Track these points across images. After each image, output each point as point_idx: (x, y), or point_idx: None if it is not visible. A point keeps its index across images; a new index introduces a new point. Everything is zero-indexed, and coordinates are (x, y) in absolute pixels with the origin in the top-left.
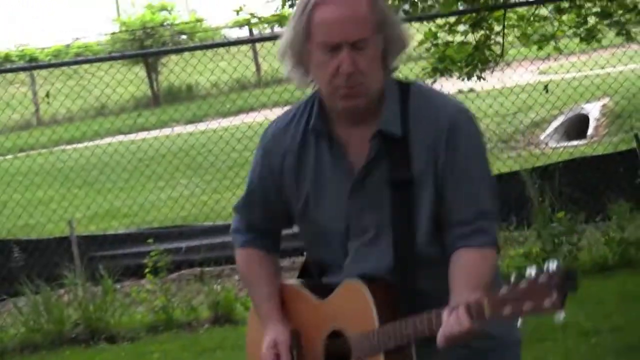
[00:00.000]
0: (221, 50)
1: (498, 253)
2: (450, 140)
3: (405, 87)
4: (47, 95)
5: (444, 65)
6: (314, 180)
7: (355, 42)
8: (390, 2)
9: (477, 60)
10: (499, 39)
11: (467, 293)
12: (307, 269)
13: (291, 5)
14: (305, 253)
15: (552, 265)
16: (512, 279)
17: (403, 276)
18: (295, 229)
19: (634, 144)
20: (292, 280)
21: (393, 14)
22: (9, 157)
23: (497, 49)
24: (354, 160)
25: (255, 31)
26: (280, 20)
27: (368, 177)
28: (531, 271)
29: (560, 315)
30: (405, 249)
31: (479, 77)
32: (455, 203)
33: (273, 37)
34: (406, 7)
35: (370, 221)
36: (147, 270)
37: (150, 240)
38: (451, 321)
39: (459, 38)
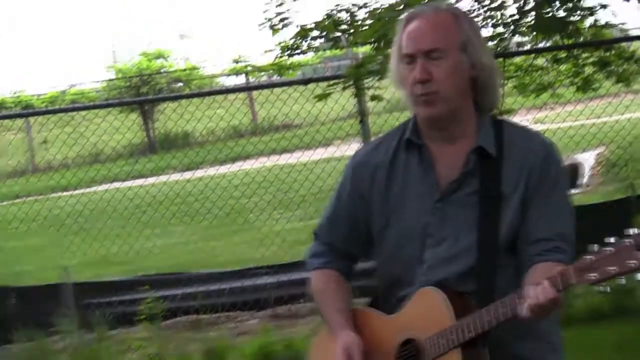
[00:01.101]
0: (218, 97)
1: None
2: (545, 166)
3: (496, 119)
4: (45, 141)
5: None
6: (400, 193)
7: (429, 52)
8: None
9: None
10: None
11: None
12: (376, 301)
13: (290, 55)
14: (377, 287)
15: (634, 230)
16: (595, 248)
17: (483, 284)
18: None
19: (629, 193)
20: (364, 307)
21: (483, 43)
22: (5, 203)
23: None
24: (442, 174)
25: (252, 79)
26: (279, 69)
27: (458, 189)
28: (615, 238)
29: None
30: (488, 259)
31: None
32: (539, 222)
33: (269, 85)
34: None
35: (450, 233)
36: (142, 317)
37: (145, 287)
38: (537, 291)
39: None
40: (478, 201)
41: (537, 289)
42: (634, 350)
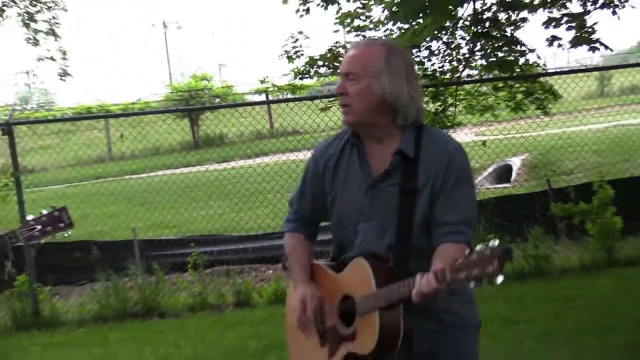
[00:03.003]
0: (246, 109)
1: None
2: (448, 169)
3: (420, 125)
4: (122, 136)
5: None
6: (343, 178)
7: (347, 74)
8: None
9: (436, 125)
10: (452, 108)
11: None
12: (335, 253)
13: (301, 78)
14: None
15: (494, 243)
16: (466, 253)
17: (399, 257)
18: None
19: (546, 187)
20: (319, 261)
21: (398, 74)
22: (91, 182)
23: (451, 116)
24: (374, 167)
25: (271, 96)
26: (293, 88)
27: (384, 181)
28: (480, 247)
29: (499, 279)
30: (405, 238)
31: None
32: (445, 210)
33: (285, 100)
34: None
35: (376, 213)
36: (189, 266)
37: (191, 244)
38: (422, 282)
39: None
40: (398, 192)
41: (423, 279)
42: (548, 301)
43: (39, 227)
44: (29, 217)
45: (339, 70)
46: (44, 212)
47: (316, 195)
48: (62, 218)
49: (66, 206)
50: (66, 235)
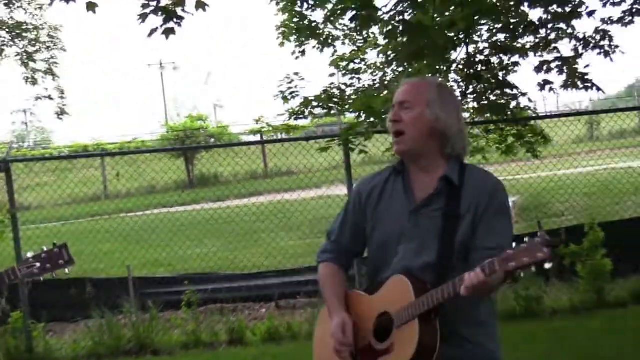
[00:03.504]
0: (241, 148)
1: None
2: (490, 199)
3: (463, 162)
4: (118, 175)
5: None
6: (387, 205)
7: (402, 102)
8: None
9: None
10: None
11: None
12: (370, 277)
13: (296, 119)
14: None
15: (542, 233)
16: (514, 244)
17: (438, 276)
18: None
19: (537, 229)
20: (354, 290)
21: (447, 106)
22: (87, 220)
23: None
24: (418, 195)
25: (265, 136)
26: (287, 128)
27: (427, 206)
28: (528, 238)
29: (549, 265)
30: (445, 259)
31: None
32: (485, 236)
33: (279, 140)
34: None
35: (418, 235)
36: (182, 304)
37: (185, 282)
38: (471, 276)
39: None
40: (441, 216)
41: (471, 274)
42: (538, 341)
43: (38, 264)
44: (29, 254)
45: (393, 101)
46: (45, 249)
47: (357, 224)
48: (62, 255)
49: (66, 243)
50: (67, 272)
